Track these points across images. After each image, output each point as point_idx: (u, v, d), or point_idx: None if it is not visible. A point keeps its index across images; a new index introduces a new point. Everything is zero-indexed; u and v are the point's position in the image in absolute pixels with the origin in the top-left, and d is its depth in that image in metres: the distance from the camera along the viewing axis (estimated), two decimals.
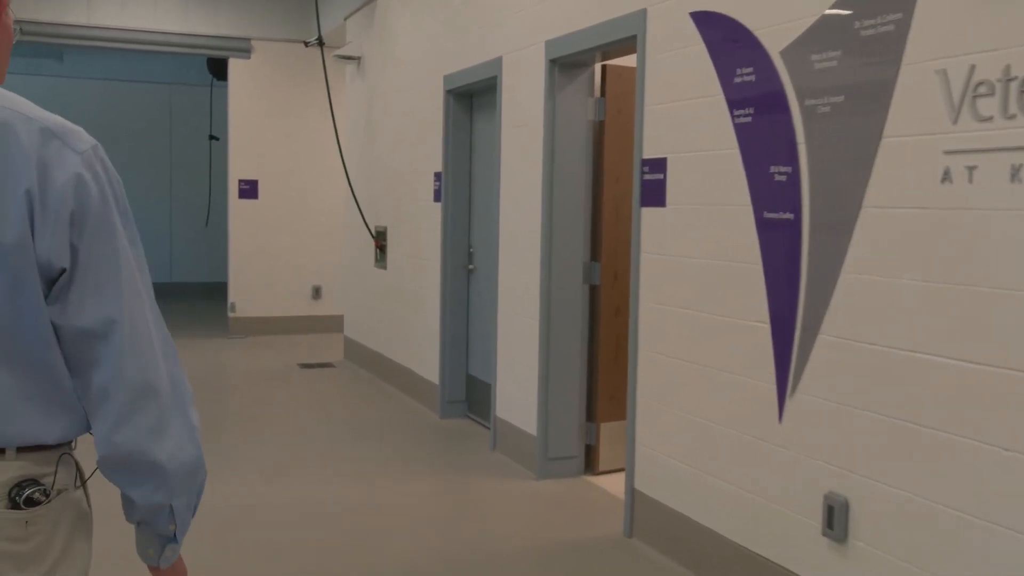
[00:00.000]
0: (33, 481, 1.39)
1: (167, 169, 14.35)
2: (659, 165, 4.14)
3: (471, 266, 6.62)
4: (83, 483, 1.51)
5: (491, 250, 6.17)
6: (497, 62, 5.71)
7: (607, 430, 5.34)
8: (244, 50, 10.10)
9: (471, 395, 6.69)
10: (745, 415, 3.62)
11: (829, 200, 3.20)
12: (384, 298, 7.99)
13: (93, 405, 1.40)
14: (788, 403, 3.40)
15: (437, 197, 6.76)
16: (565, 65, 5.10)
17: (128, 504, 1.49)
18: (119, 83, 13.79)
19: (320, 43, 8.15)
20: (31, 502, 1.38)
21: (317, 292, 10.64)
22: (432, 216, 6.85)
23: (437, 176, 6.75)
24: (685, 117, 3.97)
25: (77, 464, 1.49)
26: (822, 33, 3.24)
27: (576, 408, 5.32)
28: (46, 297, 1.36)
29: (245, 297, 10.38)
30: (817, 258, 3.26)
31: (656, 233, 4.18)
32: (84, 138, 1.40)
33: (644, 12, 4.23)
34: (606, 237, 5.26)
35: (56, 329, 1.37)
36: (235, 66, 10.16)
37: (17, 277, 1.33)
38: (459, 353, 6.73)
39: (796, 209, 3.35)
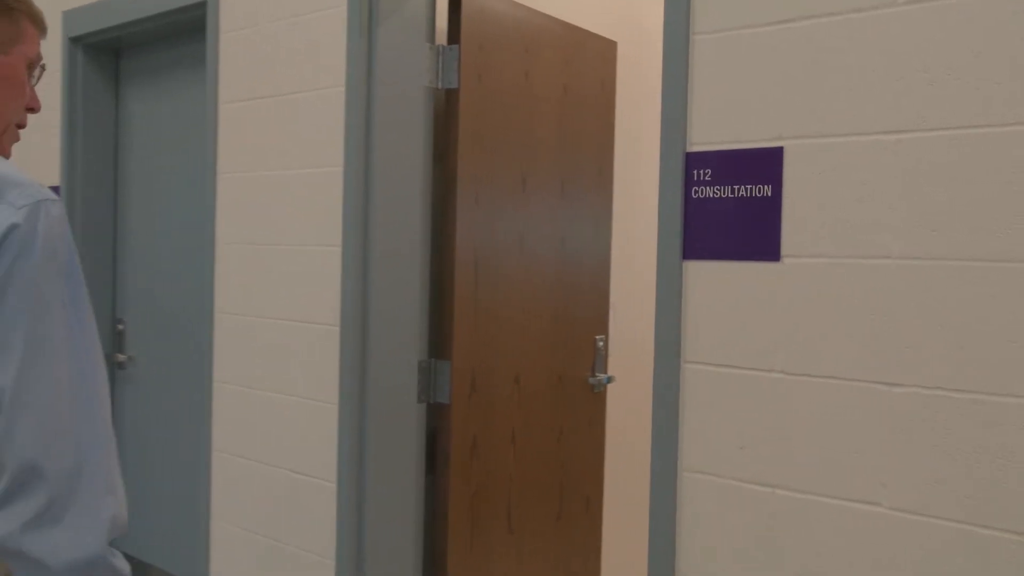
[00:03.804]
0: None
1: None
2: (759, 165, 1.81)
3: (122, 356, 3.69)
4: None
5: (179, 329, 3.36)
6: None
7: None
8: None
9: None
10: None
11: None
12: None
13: None
14: None
15: None
16: None
17: None
18: None
19: None
20: None
21: None
22: None
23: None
24: (840, 59, 1.70)
25: None
26: None
27: None
28: None
29: None
30: None
31: (738, 321, 1.84)
32: (30, 192, 1.22)
33: None
34: (461, 314, 2.77)
35: None
36: None
37: None
38: None
39: None
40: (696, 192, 1.89)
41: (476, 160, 2.77)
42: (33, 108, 1.45)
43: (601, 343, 3.35)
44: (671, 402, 1.93)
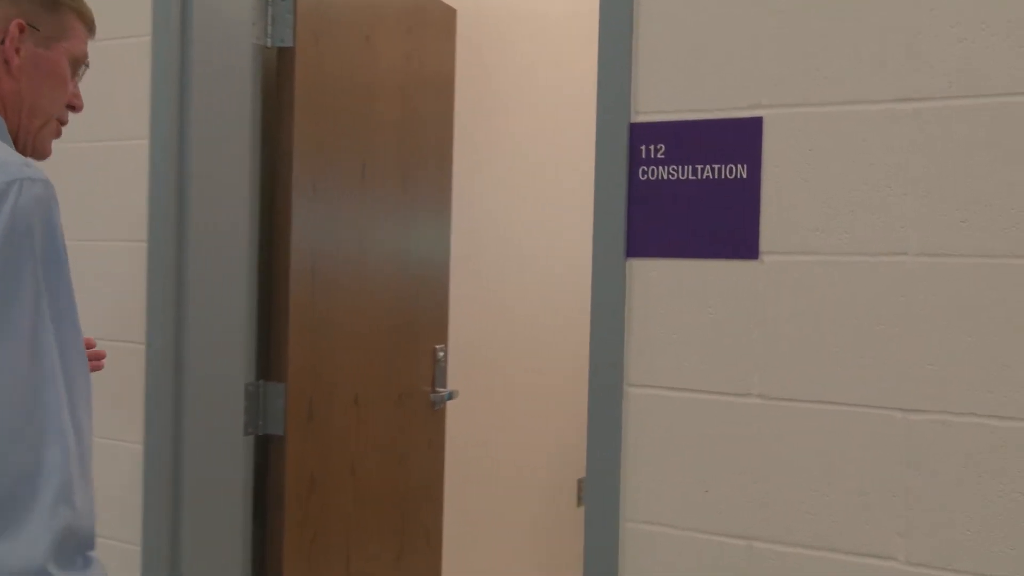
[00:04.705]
0: None
1: None
2: (730, 140, 1.45)
3: None
4: None
5: None
6: None
7: None
8: None
9: None
10: None
11: None
12: None
13: None
14: None
15: None
16: None
17: None
18: None
19: None
20: None
21: None
22: None
23: None
24: None
25: None
26: None
27: None
28: None
29: None
30: None
31: (701, 335, 1.48)
32: (8, 171, 1.11)
33: None
34: (297, 327, 2.26)
35: None
36: None
37: None
38: None
39: None
40: (644, 173, 1.51)
41: (314, 139, 2.27)
42: (74, 106, 1.42)
43: (441, 354, 2.92)
44: (611, 434, 1.54)
